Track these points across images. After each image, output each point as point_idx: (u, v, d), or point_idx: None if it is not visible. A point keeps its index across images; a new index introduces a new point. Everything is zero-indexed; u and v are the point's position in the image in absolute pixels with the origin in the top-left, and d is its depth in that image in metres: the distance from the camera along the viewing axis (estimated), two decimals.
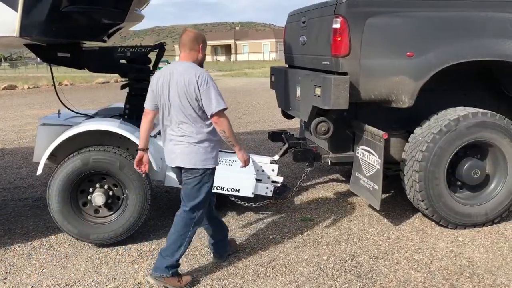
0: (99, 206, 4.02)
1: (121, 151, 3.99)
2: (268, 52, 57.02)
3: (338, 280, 3.51)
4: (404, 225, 4.54)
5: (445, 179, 4.29)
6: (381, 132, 4.12)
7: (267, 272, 3.64)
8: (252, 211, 4.87)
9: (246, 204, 4.67)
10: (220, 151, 5.01)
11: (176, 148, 3.30)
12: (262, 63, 44.02)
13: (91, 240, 4.01)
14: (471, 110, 4.29)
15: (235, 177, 4.53)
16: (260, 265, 3.74)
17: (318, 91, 4.28)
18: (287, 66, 5.90)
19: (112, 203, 4.06)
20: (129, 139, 4.10)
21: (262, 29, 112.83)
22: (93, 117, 4.73)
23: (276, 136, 5.73)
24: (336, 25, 4.16)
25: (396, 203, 5.07)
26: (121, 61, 4.63)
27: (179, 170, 3.43)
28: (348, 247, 4.07)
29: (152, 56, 4.78)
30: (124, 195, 4.03)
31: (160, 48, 4.75)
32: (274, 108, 12.90)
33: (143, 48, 4.61)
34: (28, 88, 22.51)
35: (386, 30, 4.17)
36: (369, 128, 4.36)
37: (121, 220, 4.00)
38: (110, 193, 4.04)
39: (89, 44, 4.75)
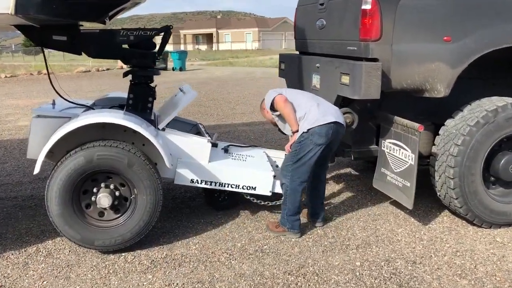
0: (104, 209, 3.58)
1: (129, 147, 3.54)
2: (250, 41, 56.36)
3: None
4: (433, 224, 4.21)
5: (481, 175, 3.97)
6: (416, 125, 3.77)
7: (298, 281, 3.26)
8: (267, 210, 4.48)
9: (262, 203, 4.27)
10: (232, 145, 4.63)
11: None
12: (245, 53, 43.45)
13: (96, 247, 3.56)
14: (509, 100, 3.96)
15: (251, 173, 4.13)
16: (288, 274, 3.35)
17: (345, 79, 3.90)
18: (298, 52, 5.50)
19: (119, 205, 3.62)
20: (134, 132, 3.67)
21: (243, 18, 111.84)
22: (92, 108, 4.26)
23: None
24: (366, 6, 3.77)
25: (419, 200, 4.70)
26: (124, 46, 4.16)
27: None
28: (380, 250, 3.72)
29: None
30: (133, 196, 3.59)
31: (166, 31, 4.29)
32: None
33: (148, 31, 4.14)
34: (6, 77, 21.54)
35: (421, 12, 3.80)
36: (400, 120, 4.00)
37: (130, 224, 3.57)
38: (117, 193, 3.59)
39: (86, 27, 4.26)
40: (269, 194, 4.16)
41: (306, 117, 3.79)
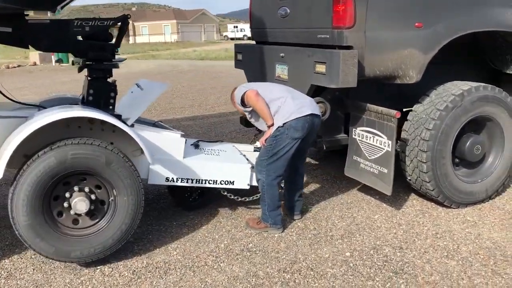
0: (79, 215, 3.22)
1: (105, 143, 3.21)
2: (169, 33, 55.08)
3: (377, 278, 3.13)
4: (406, 208, 4.29)
5: (451, 157, 4.10)
6: (393, 111, 3.79)
7: (295, 278, 3.15)
8: (240, 206, 4.31)
9: (239, 199, 4.10)
10: (201, 141, 4.41)
11: None
12: (165, 45, 42.32)
13: (72, 259, 3.19)
14: (473, 84, 4.11)
15: (228, 167, 3.95)
16: (283, 271, 3.23)
17: (321, 68, 3.82)
18: (254, 42, 5.36)
19: (95, 210, 3.27)
20: (102, 130, 3.37)
21: (158, 10, 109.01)
22: (45, 108, 3.83)
23: None
24: None
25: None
26: (78, 37, 3.78)
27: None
28: (365, 239, 3.71)
29: None
30: (111, 198, 3.27)
31: (123, 21, 3.95)
32: (203, 91, 12.25)
33: (105, 21, 3.78)
34: None
35: None
36: (373, 107, 4.00)
37: (110, 229, 3.24)
38: (92, 197, 3.24)
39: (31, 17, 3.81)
40: (248, 187, 4.01)
41: (280, 110, 3.65)
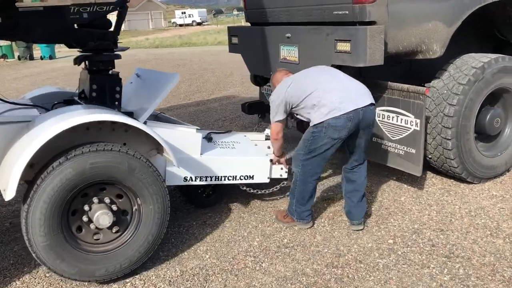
0: (101, 229, 2.86)
1: (126, 148, 2.85)
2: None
3: (432, 266, 2.98)
4: (429, 188, 4.17)
5: (473, 132, 4.00)
6: (422, 88, 3.61)
7: (347, 273, 2.94)
8: (261, 198, 4.05)
9: (259, 192, 3.85)
10: (212, 132, 4.11)
11: None
12: (132, 33, 40.71)
13: (97, 278, 2.84)
14: (491, 55, 4.01)
15: (247, 161, 3.67)
16: (332, 266, 3.02)
17: (344, 46, 3.58)
18: (249, 24, 5.05)
19: (117, 221, 2.92)
20: (113, 130, 3.02)
21: None
22: (43, 107, 3.42)
23: (256, 107, 4.88)
24: None
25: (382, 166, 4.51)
26: (75, 26, 3.37)
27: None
28: (401, 223, 3.55)
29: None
30: (135, 207, 2.92)
31: (123, 6, 3.56)
32: (185, 79, 11.74)
33: (104, 6, 3.38)
34: None
35: None
36: (396, 85, 3.81)
37: (136, 242, 2.90)
38: (114, 207, 2.88)
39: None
40: (268, 181, 3.75)
41: (318, 107, 3.21)
